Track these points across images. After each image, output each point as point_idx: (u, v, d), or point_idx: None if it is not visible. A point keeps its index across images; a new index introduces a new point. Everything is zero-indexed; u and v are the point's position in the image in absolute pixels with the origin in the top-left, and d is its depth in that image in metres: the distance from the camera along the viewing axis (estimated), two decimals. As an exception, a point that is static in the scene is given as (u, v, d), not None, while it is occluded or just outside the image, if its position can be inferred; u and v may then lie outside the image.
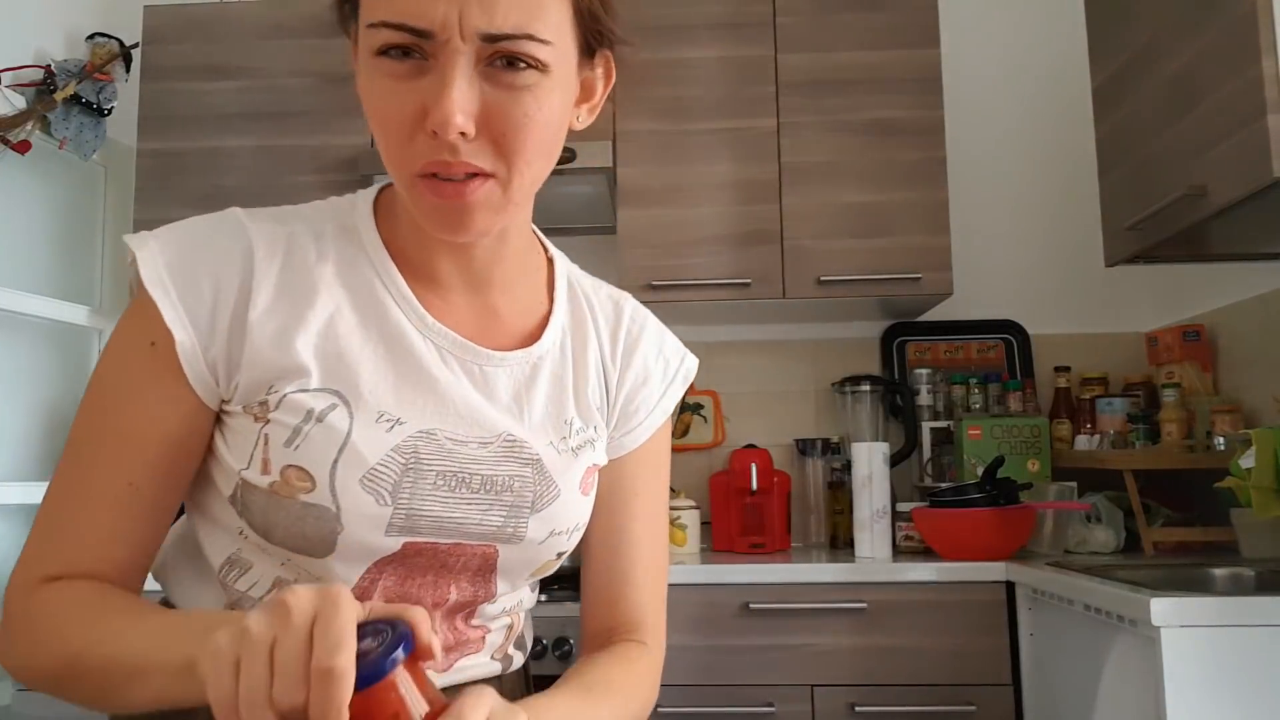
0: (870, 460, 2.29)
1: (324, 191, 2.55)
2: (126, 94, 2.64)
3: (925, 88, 2.47)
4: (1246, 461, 1.86)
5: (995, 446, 2.43)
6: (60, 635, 0.70)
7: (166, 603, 0.85)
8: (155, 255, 0.75)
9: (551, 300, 0.89)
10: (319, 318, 0.76)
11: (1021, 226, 2.77)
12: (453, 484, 0.78)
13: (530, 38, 0.68)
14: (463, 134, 0.68)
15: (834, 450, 2.62)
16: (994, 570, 2.08)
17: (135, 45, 2.61)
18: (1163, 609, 1.47)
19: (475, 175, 0.71)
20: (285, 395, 0.74)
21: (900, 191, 2.44)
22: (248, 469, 0.74)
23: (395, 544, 0.76)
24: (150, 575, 0.80)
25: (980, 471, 2.27)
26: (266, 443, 0.74)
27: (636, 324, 0.94)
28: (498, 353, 0.83)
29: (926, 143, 2.45)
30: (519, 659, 0.92)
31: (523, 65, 0.69)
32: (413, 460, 0.76)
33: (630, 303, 0.96)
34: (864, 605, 2.05)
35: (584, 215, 2.71)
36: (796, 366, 2.76)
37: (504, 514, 0.80)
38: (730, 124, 2.47)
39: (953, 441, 2.58)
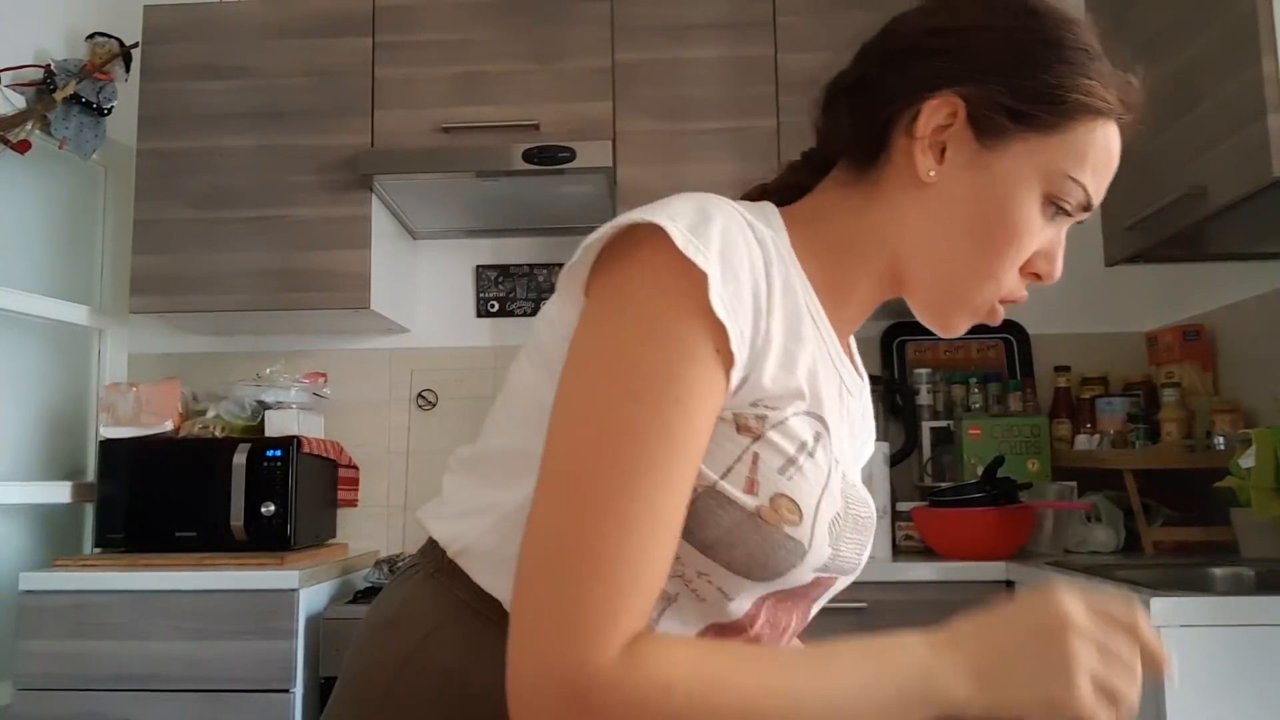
0: (870, 460, 2.29)
1: (324, 191, 2.56)
2: (126, 94, 2.64)
3: (925, 88, 2.47)
4: (1246, 461, 1.86)
5: (995, 446, 2.43)
6: (722, 708, 0.60)
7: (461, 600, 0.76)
8: (706, 247, 0.66)
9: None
10: (809, 339, 0.74)
11: (1021, 226, 2.77)
12: (856, 526, 0.78)
13: None
14: None
15: (834, 450, 2.62)
16: (994, 570, 2.08)
17: (135, 45, 2.61)
18: (1163, 609, 1.47)
19: None
20: (787, 418, 0.71)
21: (900, 191, 2.44)
22: (724, 480, 0.69)
23: (810, 578, 0.75)
24: (456, 557, 0.76)
25: (980, 471, 2.27)
26: (755, 462, 0.69)
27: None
28: (862, 384, 0.88)
29: (926, 143, 2.45)
30: None
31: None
32: (845, 506, 0.76)
33: None
34: (864, 605, 2.05)
35: (584, 215, 2.71)
36: (796, 366, 2.76)
37: (863, 550, 0.81)
38: (730, 124, 2.47)
39: (953, 441, 2.58)
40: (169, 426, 2.47)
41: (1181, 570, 1.93)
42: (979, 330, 2.73)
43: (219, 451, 2.35)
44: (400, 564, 0.91)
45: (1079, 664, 0.63)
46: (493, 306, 2.83)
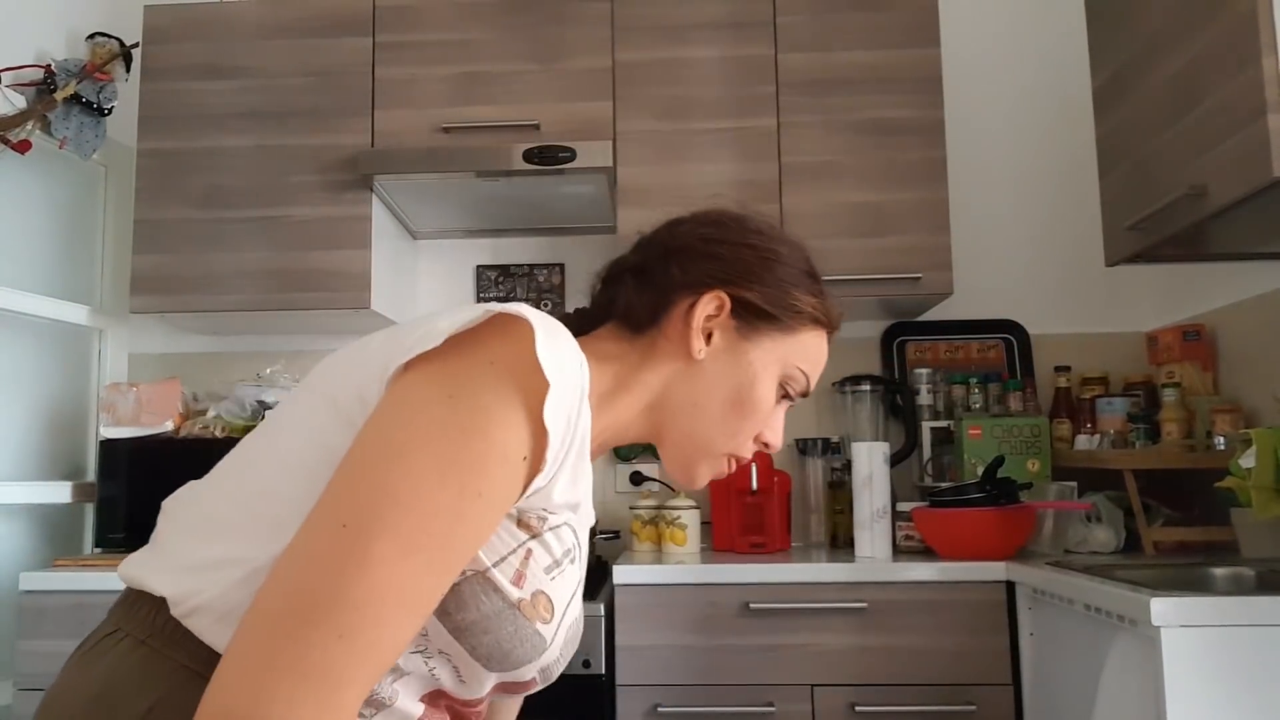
0: (870, 460, 2.29)
1: (324, 191, 2.56)
2: (126, 94, 2.64)
3: (925, 88, 2.47)
4: (1246, 461, 1.86)
5: (995, 446, 2.43)
6: None
7: (186, 635, 0.73)
8: (555, 357, 0.73)
9: None
10: (586, 463, 0.81)
11: (1021, 226, 2.77)
12: (572, 639, 0.85)
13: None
14: None
15: (834, 450, 2.62)
16: (994, 570, 2.08)
17: (135, 45, 2.61)
18: (1163, 609, 1.47)
19: None
20: (563, 524, 0.79)
21: (900, 191, 2.44)
22: (495, 569, 0.73)
23: (529, 677, 0.80)
24: (171, 602, 0.73)
25: (980, 471, 2.27)
26: (528, 557, 0.76)
27: None
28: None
29: (926, 142, 2.45)
30: None
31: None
32: (577, 617, 0.85)
33: None
34: (864, 605, 2.05)
35: (584, 215, 2.71)
36: (796, 366, 2.75)
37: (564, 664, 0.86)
38: (730, 124, 2.47)
39: (953, 441, 2.58)
40: (169, 426, 2.47)
41: (1181, 570, 1.93)
42: (979, 330, 2.75)
43: (219, 451, 2.30)
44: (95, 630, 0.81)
45: None
46: (493, 306, 2.82)
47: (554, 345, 0.73)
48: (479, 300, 2.83)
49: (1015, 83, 2.81)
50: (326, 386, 0.76)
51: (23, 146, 2.39)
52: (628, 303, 0.93)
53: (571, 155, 2.37)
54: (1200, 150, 1.78)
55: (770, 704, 2.04)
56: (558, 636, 0.79)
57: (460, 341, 0.72)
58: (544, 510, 0.77)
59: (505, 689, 0.82)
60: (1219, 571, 1.90)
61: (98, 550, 2.42)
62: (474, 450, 0.67)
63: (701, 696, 2.06)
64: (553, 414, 0.71)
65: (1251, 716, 1.45)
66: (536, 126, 2.45)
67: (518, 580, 0.74)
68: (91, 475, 2.66)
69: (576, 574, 0.82)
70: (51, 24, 2.61)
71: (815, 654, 2.05)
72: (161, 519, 0.81)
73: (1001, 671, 2.06)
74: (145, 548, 0.81)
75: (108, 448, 2.41)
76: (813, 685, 2.04)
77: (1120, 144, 2.09)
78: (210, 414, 2.49)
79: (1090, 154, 2.29)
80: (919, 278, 2.40)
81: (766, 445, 0.95)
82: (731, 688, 2.06)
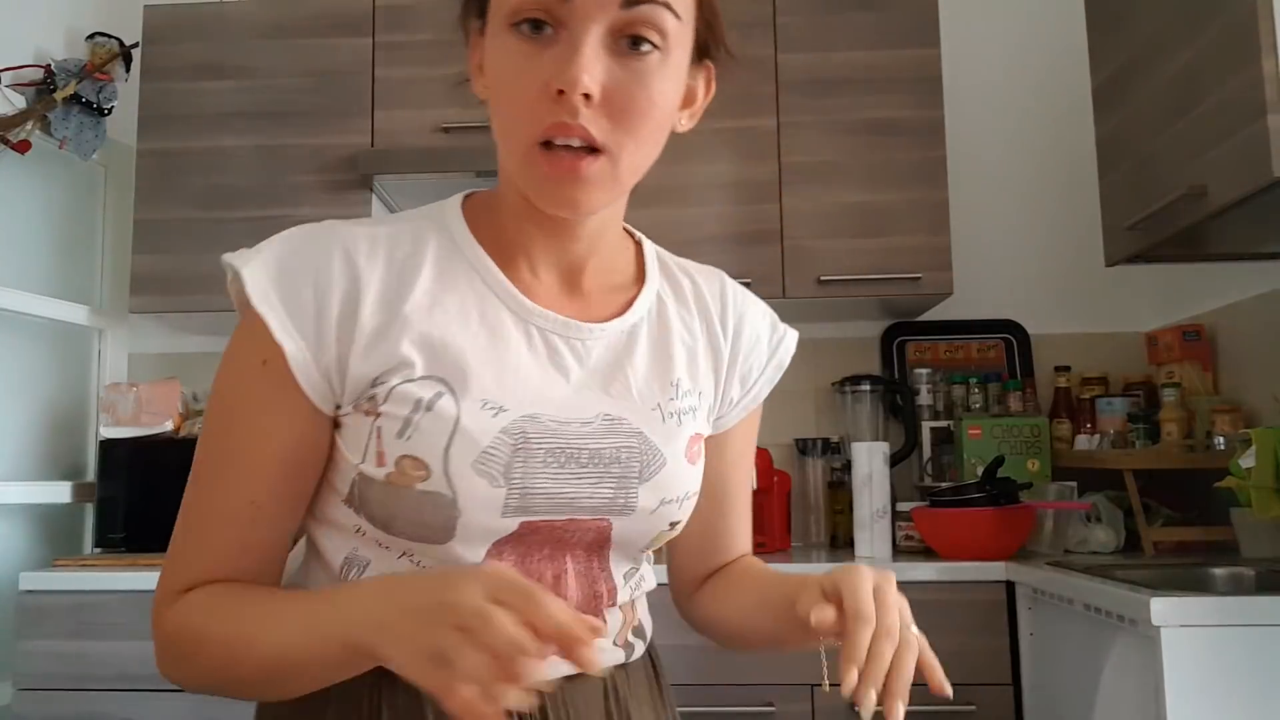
0: (870, 460, 2.29)
1: (324, 191, 2.56)
2: (126, 94, 2.64)
3: (925, 88, 2.47)
4: (1246, 461, 1.86)
5: (995, 446, 2.43)
6: (204, 645, 0.76)
7: None
8: (258, 271, 0.76)
9: (643, 277, 0.91)
10: (421, 310, 0.78)
11: (1021, 226, 2.77)
12: (562, 460, 0.79)
13: (666, 5, 0.73)
14: (586, 96, 0.71)
15: (834, 450, 2.62)
16: (994, 570, 2.08)
17: (135, 45, 2.61)
18: (1163, 609, 1.47)
19: (590, 151, 0.73)
20: (393, 388, 0.76)
21: (900, 191, 2.44)
22: (363, 462, 0.76)
23: (513, 524, 0.78)
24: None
25: (980, 471, 2.27)
26: (379, 436, 0.76)
27: (740, 294, 0.97)
28: (595, 325, 0.84)
29: (926, 143, 2.45)
30: (640, 648, 0.94)
31: (647, 47, 0.73)
32: (521, 441, 0.78)
33: (727, 277, 0.99)
34: (864, 605, 2.05)
35: (584, 215, 2.71)
36: (796, 366, 2.72)
37: (614, 486, 0.81)
38: (730, 123, 2.47)
39: (953, 441, 2.58)
40: (169, 426, 2.47)
41: (1181, 570, 1.93)
42: (979, 330, 2.74)
43: (219, 451, 2.34)
44: None
45: (433, 632, 0.62)
46: (493, 306, 2.83)
47: (272, 271, 0.77)
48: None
49: (1015, 83, 2.81)
50: None
51: (22, 146, 2.39)
52: None
53: (571, 155, 2.37)
54: (1200, 150, 1.78)
55: (770, 704, 2.04)
56: (458, 481, 0.75)
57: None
58: (372, 389, 0.76)
59: (524, 545, 0.80)
60: (1219, 571, 1.90)
61: (97, 550, 2.42)
62: (223, 373, 0.79)
63: (701, 696, 2.06)
64: (256, 293, 0.75)
65: (1251, 716, 1.45)
66: (536, 126, 2.45)
67: (380, 460, 0.76)
68: (91, 475, 2.66)
69: (443, 417, 0.76)
70: (51, 24, 2.61)
71: (815, 654, 2.05)
72: None
73: (1001, 671, 2.06)
74: None
75: (108, 448, 2.41)
76: (813, 685, 2.04)
77: (1120, 144, 2.09)
78: (210, 414, 2.49)
79: (1090, 154, 2.29)
80: (919, 278, 2.40)
81: (560, 92, 0.71)
82: (731, 687, 2.06)
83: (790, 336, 1.02)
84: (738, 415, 0.96)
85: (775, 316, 1.02)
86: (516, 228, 0.83)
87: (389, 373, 0.76)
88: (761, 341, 0.98)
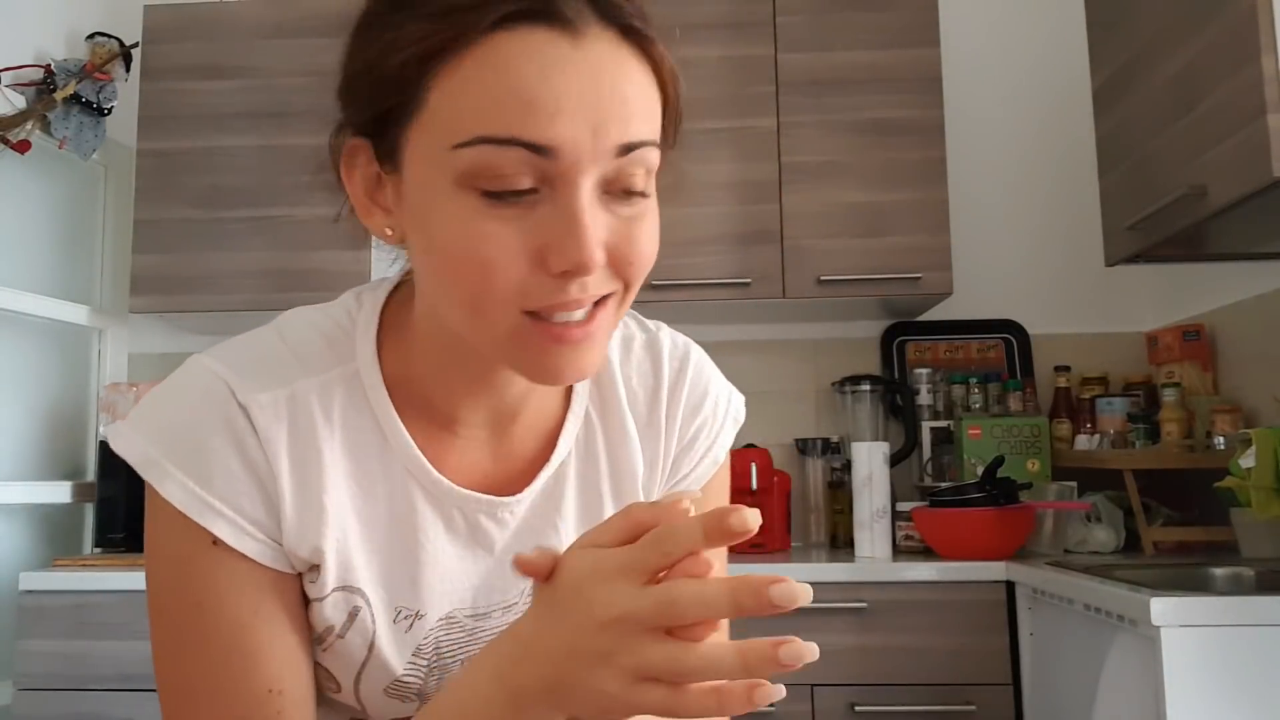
0: (870, 460, 2.29)
1: (324, 191, 2.55)
2: (126, 94, 2.64)
3: (925, 88, 2.47)
4: (1246, 461, 1.86)
5: (995, 446, 2.43)
6: None
7: None
8: (159, 460, 0.65)
9: (569, 393, 0.77)
10: (334, 505, 0.68)
11: (1021, 226, 2.77)
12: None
13: (654, 145, 0.62)
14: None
15: (834, 450, 2.62)
16: (994, 570, 2.08)
17: (135, 45, 2.60)
18: (1163, 609, 1.47)
19: (597, 301, 0.61)
20: (321, 598, 0.69)
21: (900, 191, 2.44)
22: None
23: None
24: None
25: (980, 471, 2.27)
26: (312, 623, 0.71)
27: (675, 369, 0.80)
28: (514, 497, 0.73)
29: (926, 143, 2.45)
30: None
31: (639, 192, 0.62)
32: (435, 659, 0.72)
33: (666, 343, 0.81)
34: (864, 605, 2.05)
35: (584, 215, 2.70)
36: (796, 366, 2.76)
37: None
38: (730, 123, 2.47)
39: (953, 441, 2.58)
40: (169, 426, 2.46)
41: (1181, 570, 1.93)
42: (979, 330, 2.74)
43: (219, 451, 2.34)
44: None
45: (610, 662, 0.52)
46: (493, 306, 2.83)
47: (174, 450, 0.65)
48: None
49: (1015, 83, 2.81)
50: None
51: (22, 146, 2.39)
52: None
53: (571, 155, 2.37)
54: (1200, 150, 1.78)
55: (770, 704, 2.04)
56: (373, 703, 0.72)
57: None
58: (308, 579, 0.69)
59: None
60: (1219, 571, 1.90)
61: (97, 550, 2.42)
62: (164, 584, 0.67)
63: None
64: (203, 509, 0.64)
65: (1251, 716, 1.45)
66: (536, 126, 2.45)
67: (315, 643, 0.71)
68: (91, 475, 2.66)
69: (353, 643, 0.69)
70: (51, 24, 2.61)
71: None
72: None
73: (1001, 671, 2.06)
74: None
75: (107, 448, 2.41)
76: (812, 685, 2.04)
77: (1120, 144, 2.09)
78: (210, 414, 2.49)
79: (1090, 154, 2.29)
80: (919, 278, 2.40)
81: (569, 272, 0.58)
82: (731, 688, 2.05)
83: (735, 407, 0.84)
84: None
85: (720, 385, 0.84)
86: (442, 385, 0.70)
87: (310, 576, 0.69)
88: (700, 431, 0.82)
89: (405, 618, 0.71)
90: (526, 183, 0.57)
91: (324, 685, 0.72)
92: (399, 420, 0.70)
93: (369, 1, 0.65)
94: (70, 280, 2.70)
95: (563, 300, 0.59)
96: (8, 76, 2.42)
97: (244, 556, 0.65)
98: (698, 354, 0.83)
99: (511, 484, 0.74)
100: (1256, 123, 1.60)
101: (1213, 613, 1.48)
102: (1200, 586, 1.87)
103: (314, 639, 0.70)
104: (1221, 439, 2.18)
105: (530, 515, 0.74)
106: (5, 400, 2.49)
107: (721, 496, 0.86)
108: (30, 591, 2.13)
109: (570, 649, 0.53)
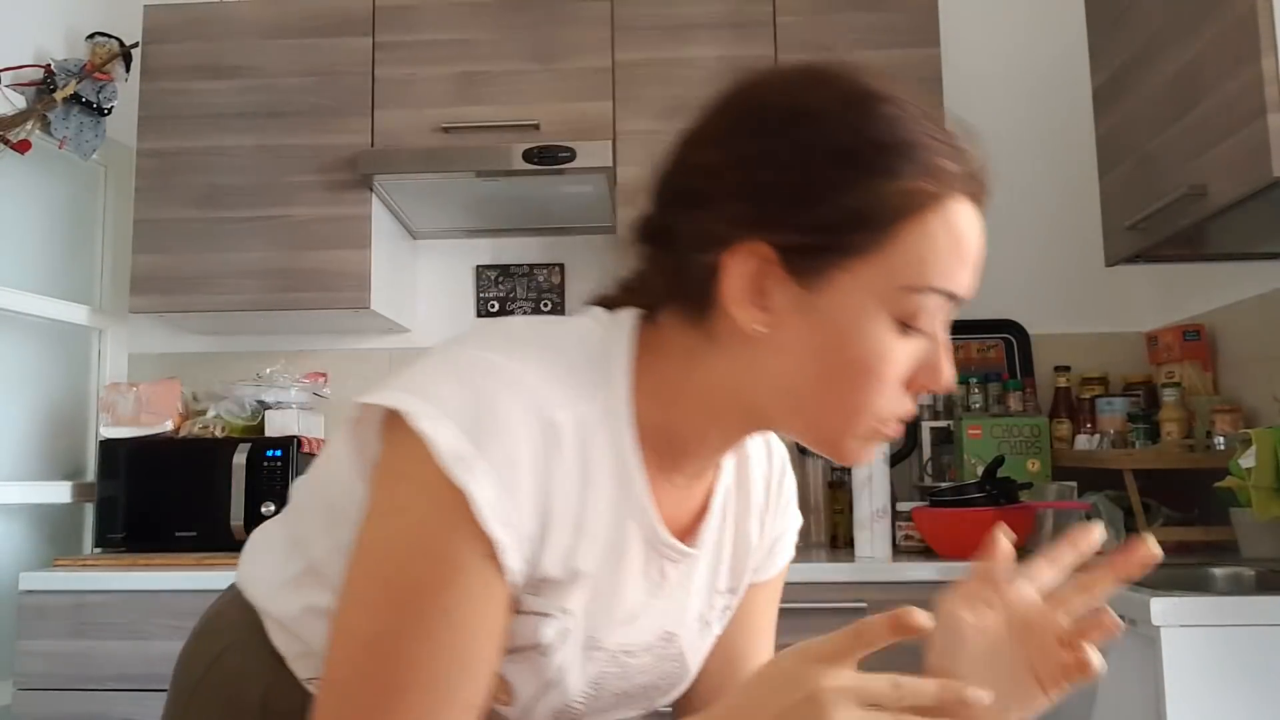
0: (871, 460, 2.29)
1: (324, 191, 2.56)
2: (126, 93, 2.64)
3: (925, 88, 2.47)
4: (1246, 461, 1.86)
5: (995, 446, 2.43)
6: None
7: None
8: (472, 458, 0.63)
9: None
10: (581, 531, 0.70)
11: (1021, 226, 2.77)
12: (624, 701, 0.81)
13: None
14: None
15: (834, 450, 2.62)
16: (994, 570, 2.08)
17: (135, 45, 2.60)
18: (1163, 609, 1.47)
19: None
20: (535, 613, 0.70)
21: (900, 191, 2.44)
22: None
23: None
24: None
25: (980, 471, 2.27)
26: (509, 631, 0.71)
27: (780, 466, 0.90)
28: (695, 550, 0.79)
29: (926, 142, 2.45)
30: None
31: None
32: (598, 690, 0.77)
33: (774, 438, 0.90)
34: (864, 605, 2.05)
35: (584, 215, 2.70)
36: (796, 366, 2.75)
37: (646, 705, 0.84)
38: (730, 124, 2.47)
39: (953, 441, 2.58)
40: (169, 426, 2.47)
41: (1181, 570, 1.93)
42: (979, 330, 2.74)
43: (219, 451, 2.35)
44: None
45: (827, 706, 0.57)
46: (493, 306, 2.83)
47: (477, 435, 0.63)
48: (479, 300, 2.83)
49: (1015, 83, 2.81)
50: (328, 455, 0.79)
51: (23, 146, 2.39)
52: (659, 283, 0.73)
53: (571, 155, 2.37)
54: (1200, 150, 1.78)
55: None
56: (537, 716, 0.75)
57: (389, 444, 0.67)
58: (530, 591, 0.69)
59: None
60: (1219, 571, 1.90)
61: (97, 550, 2.42)
62: (424, 574, 0.64)
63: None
64: (493, 515, 0.63)
65: (1251, 716, 1.45)
66: (536, 126, 2.45)
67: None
68: (91, 475, 2.65)
69: (546, 662, 0.71)
70: (51, 24, 2.61)
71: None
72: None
73: (1001, 671, 2.05)
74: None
75: (107, 448, 2.41)
76: (813, 685, 2.04)
77: (1120, 144, 2.09)
78: (210, 414, 2.49)
79: (1090, 154, 2.29)
80: (919, 278, 2.39)
81: (926, 390, 0.69)
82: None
83: (790, 484, 0.95)
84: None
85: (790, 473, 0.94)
86: (695, 441, 0.74)
87: (540, 589, 0.69)
88: (790, 514, 0.94)
89: (593, 647, 0.74)
90: (931, 322, 0.68)
91: (495, 696, 0.72)
92: (642, 464, 0.72)
93: (875, 125, 0.67)
94: (70, 280, 2.70)
95: (907, 412, 0.70)
96: (8, 76, 2.42)
97: (505, 572, 0.65)
98: (787, 457, 0.93)
99: (679, 532, 0.78)
100: (1256, 123, 1.60)
101: (1213, 613, 1.48)
102: (1200, 586, 1.87)
103: (510, 649, 0.70)
104: (1221, 439, 2.18)
105: (684, 570, 0.80)
106: (5, 400, 2.49)
107: (780, 587, 0.96)
108: (30, 591, 2.13)
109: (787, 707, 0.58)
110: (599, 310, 0.77)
